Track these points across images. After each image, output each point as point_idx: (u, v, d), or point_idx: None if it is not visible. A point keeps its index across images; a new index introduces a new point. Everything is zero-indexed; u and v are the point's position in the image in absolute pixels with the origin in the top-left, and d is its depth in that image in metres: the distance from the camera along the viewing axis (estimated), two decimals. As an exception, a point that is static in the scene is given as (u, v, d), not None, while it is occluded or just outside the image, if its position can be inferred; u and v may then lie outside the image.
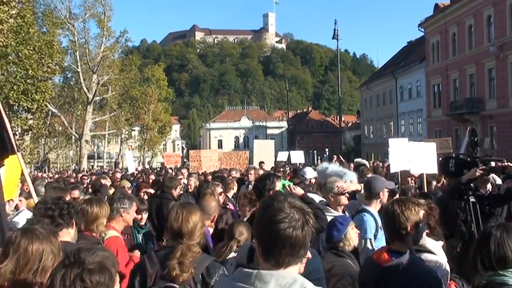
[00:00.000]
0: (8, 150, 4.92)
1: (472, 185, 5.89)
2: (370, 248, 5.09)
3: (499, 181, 6.79)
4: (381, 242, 5.23)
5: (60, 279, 1.98)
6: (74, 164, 55.35)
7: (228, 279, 2.07)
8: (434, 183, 8.18)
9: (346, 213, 5.71)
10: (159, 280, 3.31)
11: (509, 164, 6.12)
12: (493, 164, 5.90)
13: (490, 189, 6.30)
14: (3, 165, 4.90)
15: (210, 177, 13.48)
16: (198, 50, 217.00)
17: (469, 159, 6.01)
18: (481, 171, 5.74)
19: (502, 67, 36.86)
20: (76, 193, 8.14)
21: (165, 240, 5.07)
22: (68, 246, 3.04)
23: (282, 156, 24.35)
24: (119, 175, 15.56)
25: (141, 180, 13.66)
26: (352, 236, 4.37)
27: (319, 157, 47.86)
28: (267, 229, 1.97)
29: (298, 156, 20.96)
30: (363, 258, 5.04)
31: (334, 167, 7.01)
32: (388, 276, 3.11)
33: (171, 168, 23.44)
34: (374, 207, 5.52)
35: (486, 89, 39.28)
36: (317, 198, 5.90)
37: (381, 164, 16.22)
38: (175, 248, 3.35)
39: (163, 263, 3.33)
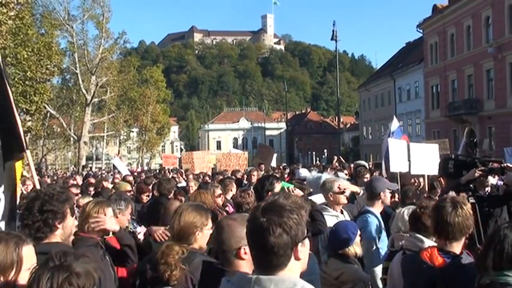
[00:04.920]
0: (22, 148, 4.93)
1: (471, 186, 5.91)
2: (375, 249, 5.08)
3: (493, 181, 6.80)
4: (383, 243, 5.24)
5: (46, 281, 1.99)
6: (72, 166, 55.27)
7: (229, 284, 2.07)
8: (439, 190, 8.10)
9: (345, 213, 5.73)
10: (156, 283, 3.30)
11: (508, 165, 6.14)
12: (492, 164, 5.92)
13: (489, 190, 6.32)
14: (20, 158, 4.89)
15: (207, 178, 13.51)
16: (197, 51, 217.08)
17: (467, 160, 6.03)
18: (480, 172, 5.75)
19: (500, 68, 36.91)
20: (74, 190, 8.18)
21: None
22: (54, 246, 3.05)
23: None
24: (118, 176, 15.59)
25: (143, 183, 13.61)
26: (358, 243, 4.36)
27: (317, 158, 47.87)
28: (253, 239, 2.00)
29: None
30: (368, 260, 5.03)
31: (327, 176, 7.00)
32: (447, 278, 3.05)
33: (168, 169, 23.40)
34: (376, 208, 5.55)
35: (484, 90, 39.34)
36: (319, 198, 5.89)
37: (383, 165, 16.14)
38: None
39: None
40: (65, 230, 3.42)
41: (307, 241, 2.04)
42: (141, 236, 5.69)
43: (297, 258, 1.98)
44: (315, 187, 6.58)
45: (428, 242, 3.78)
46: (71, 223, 3.50)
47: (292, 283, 1.91)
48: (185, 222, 3.44)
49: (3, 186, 4.26)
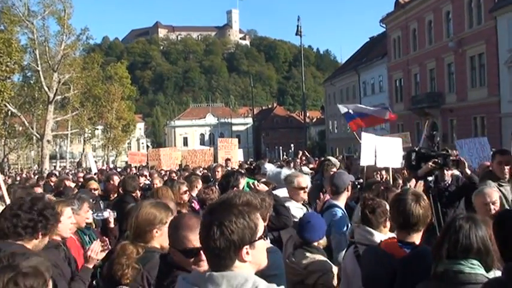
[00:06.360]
0: None
1: (432, 177, 6.04)
2: (344, 242, 5.13)
3: (457, 172, 6.95)
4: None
5: None
6: (36, 165, 54.17)
7: (185, 282, 2.07)
8: (400, 181, 8.21)
9: (307, 207, 5.81)
10: (111, 282, 3.27)
11: (462, 158, 6.32)
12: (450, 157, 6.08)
13: (449, 182, 6.47)
14: None
15: (173, 174, 13.43)
16: (161, 47, 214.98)
17: (426, 154, 6.17)
18: (434, 165, 5.90)
19: (460, 62, 37.78)
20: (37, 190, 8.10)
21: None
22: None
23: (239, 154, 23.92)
24: (81, 175, 15.35)
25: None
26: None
27: (284, 153, 48.02)
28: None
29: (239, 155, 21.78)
30: (338, 252, 5.08)
31: (286, 171, 7.07)
32: (407, 268, 3.10)
33: (135, 167, 23.18)
34: (341, 202, 5.62)
35: (446, 84, 40.22)
36: (283, 192, 5.93)
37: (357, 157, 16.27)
38: None
39: None
40: (40, 243, 3.40)
41: (259, 243, 2.04)
42: (111, 219, 5.68)
43: (242, 261, 1.98)
44: (275, 182, 6.64)
45: (378, 235, 3.84)
46: (45, 242, 3.48)
47: (244, 278, 1.93)
48: (141, 220, 3.38)
49: None
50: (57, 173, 22.81)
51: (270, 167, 8.09)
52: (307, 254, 4.26)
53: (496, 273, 2.62)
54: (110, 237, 5.39)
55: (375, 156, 8.46)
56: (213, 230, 1.93)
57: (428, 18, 42.22)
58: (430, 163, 5.89)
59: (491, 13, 33.59)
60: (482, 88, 35.90)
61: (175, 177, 11.98)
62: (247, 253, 1.97)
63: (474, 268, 2.59)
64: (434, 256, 2.73)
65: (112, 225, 5.80)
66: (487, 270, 2.62)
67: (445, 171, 6.21)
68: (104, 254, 3.99)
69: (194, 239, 2.47)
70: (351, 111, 13.20)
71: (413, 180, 6.04)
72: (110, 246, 4.05)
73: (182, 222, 2.77)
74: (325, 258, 4.33)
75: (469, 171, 6.26)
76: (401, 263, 3.15)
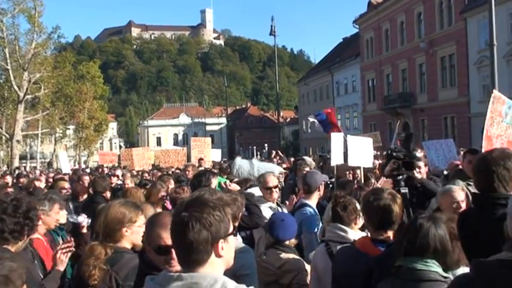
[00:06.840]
0: None
1: (403, 176, 6.11)
2: (315, 241, 5.15)
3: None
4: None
5: None
6: (5, 166, 53.07)
7: (152, 282, 2.05)
8: (373, 180, 8.31)
9: (281, 206, 5.82)
10: (79, 284, 3.27)
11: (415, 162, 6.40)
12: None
13: (424, 177, 6.54)
14: None
15: (146, 175, 13.34)
16: (135, 46, 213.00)
17: (392, 154, 6.27)
18: (393, 166, 5.99)
19: (431, 62, 38.39)
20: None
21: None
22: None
23: (215, 154, 23.57)
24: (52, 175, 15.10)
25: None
26: None
27: (258, 152, 48.06)
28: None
29: (215, 154, 21.79)
30: (308, 252, 5.10)
31: (256, 162, 7.11)
32: (382, 265, 3.10)
33: (107, 167, 22.90)
34: (313, 201, 5.64)
35: (417, 84, 40.82)
36: (258, 191, 5.94)
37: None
38: None
39: None
40: (23, 245, 3.35)
41: (231, 239, 2.05)
42: (85, 224, 5.58)
43: (218, 256, 1.98)
44: (247, 173, 6.67)
45: (351, 232, 3.87)
46: (26, 242, 3.44)
47: (213, 279, 1.92)
48: (110, 219, 3.36)
49: None
50: (25, 173, 22.40)
51: (238, 162, 7.88)
52: (281, 253, 4.25)
53: (465, 270, 2.65)
54: (81, 242, 5.30)
55: (345, 156, 8.55)
56: (191, 223, 1.92)
57: (400, 19, 42.77)
58: (390, 163, 5.99)
59: (461, 14, 34.20)
60: (453, 88, 36.53)
61: (148, 177, 11.92)
62: (222, 248, 1.98)
63: (428, 266, 2.62)
64: (395, 252, 2.76)
65: (85, 230, 5.71)
66: (445, 270, 2.64)
67: (415, 170, 6.28)
68: (69, 255, 3.93)
69: (166, 237, 2.46)
70: (320, 129, 13.32)
71: (383, 179, 6.13)
72: (74, 249, 3.98)
73: (157, 220, 2.76)
74: (298, 257, 4.33)
75: (419, 176, 6.31)
76: (376, 261, 3.19)
